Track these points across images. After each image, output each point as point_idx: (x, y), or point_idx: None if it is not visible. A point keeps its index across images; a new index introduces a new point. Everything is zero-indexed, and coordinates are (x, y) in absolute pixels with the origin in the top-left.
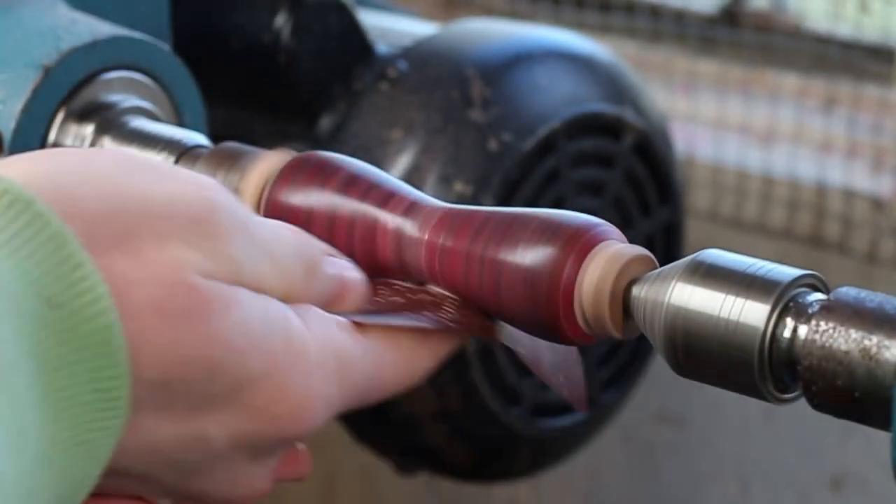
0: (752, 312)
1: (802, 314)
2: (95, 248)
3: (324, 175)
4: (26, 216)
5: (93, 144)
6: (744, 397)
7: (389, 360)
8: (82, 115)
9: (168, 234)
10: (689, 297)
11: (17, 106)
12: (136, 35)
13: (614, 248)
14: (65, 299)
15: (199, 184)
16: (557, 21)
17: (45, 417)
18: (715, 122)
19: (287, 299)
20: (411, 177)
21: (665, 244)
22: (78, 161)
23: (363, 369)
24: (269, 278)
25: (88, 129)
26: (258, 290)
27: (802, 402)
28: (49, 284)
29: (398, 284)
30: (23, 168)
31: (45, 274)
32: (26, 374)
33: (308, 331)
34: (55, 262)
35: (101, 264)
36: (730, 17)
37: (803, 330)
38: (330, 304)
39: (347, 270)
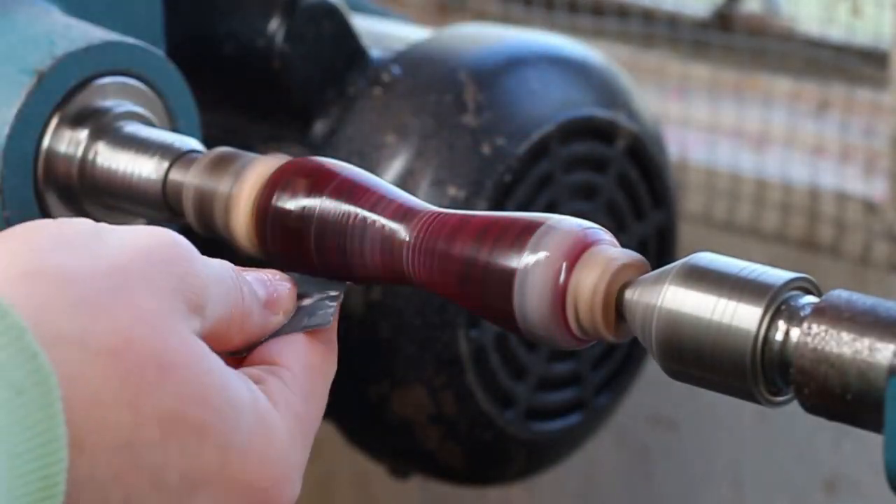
0: (744, 315)
1: (794, 317)
2: (68, 318)
3: (317, 179)
4: None
5: (87, 149)
6: (737, 400)
7: (321, 393)
8: (76, 121)
9: (149, 284)
10: (682, 300)
11: (11, 111)
12: (130, 40)
13: (607, 252)
14: (27, 386)
15: (156, 231)
16: (550, 25)
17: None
18: (708, 126)
19: (233, 316)
20: (405, 181)
21: (658, 248)
22: (43, 239)
23: (315, 423)
24: (220, 307)
25: (83, 135)
26: (212, 320)
27: (796, 405)
28: (12, 371)
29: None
30: None
31: (8, 361)
32: None
33: (274, 406)
34: (15, 351)
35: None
36: (722, 21)
37: (795, 333)
38: (271, 307)
39: (273, 278)
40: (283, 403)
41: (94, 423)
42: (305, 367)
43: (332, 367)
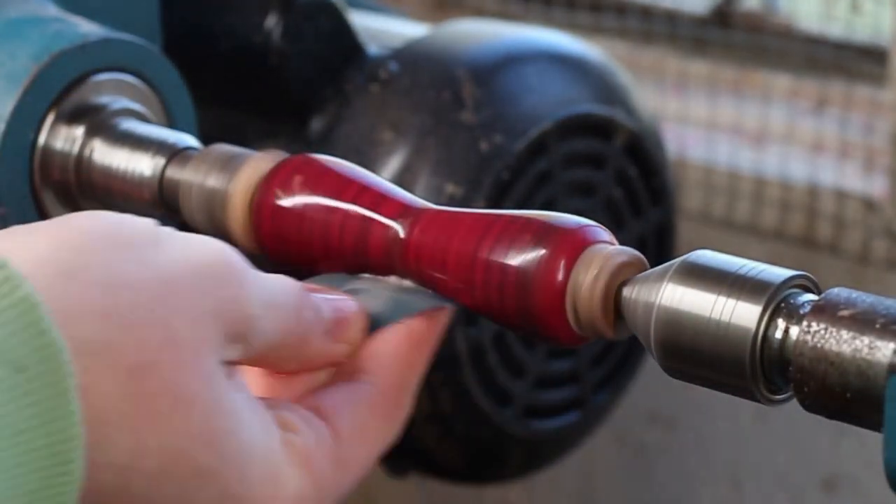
0: (743, 313)
1: (794, 315)
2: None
3: (315, 177)
4: None
5: (83, 146)
6: (736, 398)
7: (363, 463)
8: (72, 117)
9: (190, 306)
10: (681, 298)
11: (7, 108)
12: (127, 37)
13: (605, 250)
14: (29, 363)
15: (212, 246)
16: (548, 22)
17: (5, 484)
18: (706, 123)
19: (286, 342)
20: (402, 178)
21: (657, 245)
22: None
23: (342, 491)
24: (270, 333)
25: (79, 131)
26: (260, 347)
27: (795, 404)
28: (14, 349)
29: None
30: (24, 241)
31: (9, 339)
32: None
33: (289, 462)
34: (20, 327)
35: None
36: (721, 18)
37: (794, 331)
38: (333, 335)
39: (341, 303)
40: (302, 461)
41: (95, 438)
42: (355, 432)
43: (392, 431)
